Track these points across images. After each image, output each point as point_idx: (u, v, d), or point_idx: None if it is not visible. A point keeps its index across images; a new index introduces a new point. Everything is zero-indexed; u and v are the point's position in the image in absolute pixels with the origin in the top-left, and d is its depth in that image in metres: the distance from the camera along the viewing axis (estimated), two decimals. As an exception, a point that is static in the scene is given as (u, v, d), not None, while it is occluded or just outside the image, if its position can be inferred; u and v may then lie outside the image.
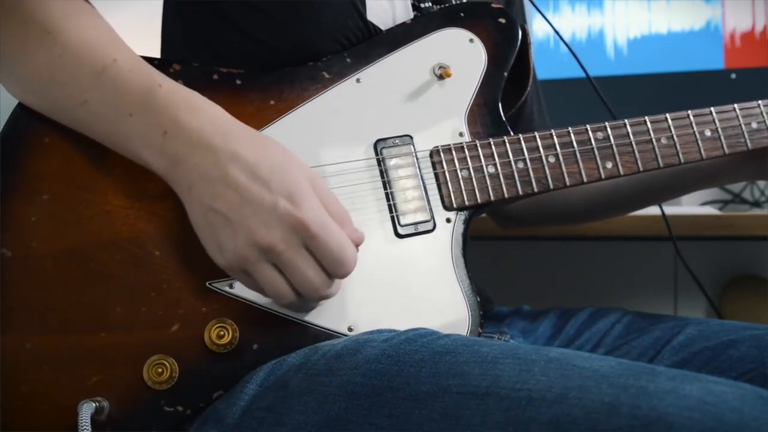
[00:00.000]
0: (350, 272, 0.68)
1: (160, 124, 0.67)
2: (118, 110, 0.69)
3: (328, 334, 0.72)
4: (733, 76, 1.48)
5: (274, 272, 0.66)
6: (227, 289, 0.71)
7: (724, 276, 1.60)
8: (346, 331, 0.73)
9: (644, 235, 1.26)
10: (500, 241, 1.59)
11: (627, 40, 1.54)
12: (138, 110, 0.68)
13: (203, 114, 0.68)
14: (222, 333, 0.70)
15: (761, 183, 1.54)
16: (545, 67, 1.43)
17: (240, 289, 0.71)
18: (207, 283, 0.71)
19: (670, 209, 1.34)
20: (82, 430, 0.63)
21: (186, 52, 0.84)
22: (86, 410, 0.65)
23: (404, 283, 0.75)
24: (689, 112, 0.85)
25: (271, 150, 0.67)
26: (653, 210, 1.24)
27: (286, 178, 0.66)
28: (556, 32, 0.93)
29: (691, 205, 1.51)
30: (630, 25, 1.54)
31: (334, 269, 0.67)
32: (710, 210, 1.35)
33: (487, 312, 1.00)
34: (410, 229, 0.76)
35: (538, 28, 1.49)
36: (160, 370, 0.69)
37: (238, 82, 0.76)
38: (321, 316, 0.72)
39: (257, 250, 0.65)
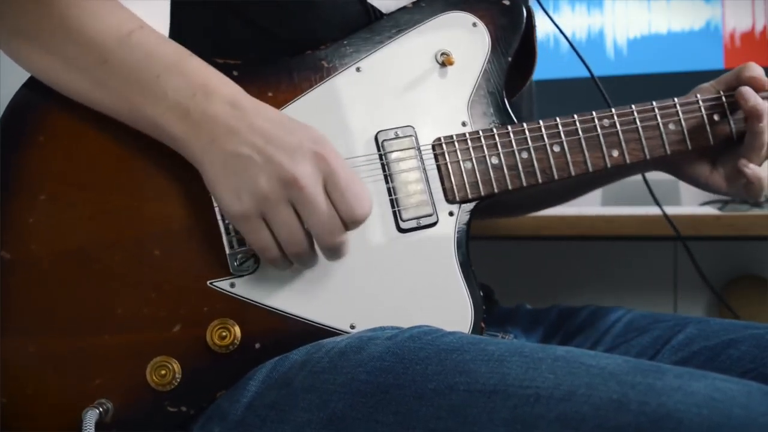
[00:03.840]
0: (365, 218, 0.68)
1: (191, 87, 0.68)
2: (144, 71, 0.69)
3: (330, 332, 0.72)
4: (733, 75, 1.48)
5: (292, 213, 0.66)
6: (228, 288, 0.71)
7: (724, 276, 1.60)
8: (348, 329, 0.72)
9: (644, 235, 1.26)
10: (500, 241, 1.59)
11: (627, 40, 1.54)
12: (167, 72, 0.68)
13: (230, 87, 0.69)
14: (224, 333, 0.70)
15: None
16: (545, 67, 1.43)
17: (241, 288, 0.71)
18: (208, 283, 0.71)
19: (671, 209, 1.34)
20: (86, 439, 0.63)
21: (187, 42, 0.84)
22: (90, 418, 0.65)
23: (406, 279, 0.75)
24: (698, 95, 0.84)
25: (291, 117, 0.69)
26: (653, 210, 1.24)
27: (309, 130, 0.68)
28: (562, 32, 0.92)
29: (691, 205, 1.51)
30: (630, 25, 1.54)
31: (351, 211, 0.67)
32: (710, 210, 1.35)
33: (491, 310, 0.99)
34: (412, 224, 0.75)
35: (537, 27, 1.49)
36: (163, 372, 0.69)
37: (235, 73, 0.75)
38: (322, 313, 0.72)
39: (280, 184, 0.65)
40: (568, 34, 0.98)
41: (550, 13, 0.89)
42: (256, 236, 0.67)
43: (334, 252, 0.69)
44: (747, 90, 0.82)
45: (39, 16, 0.71)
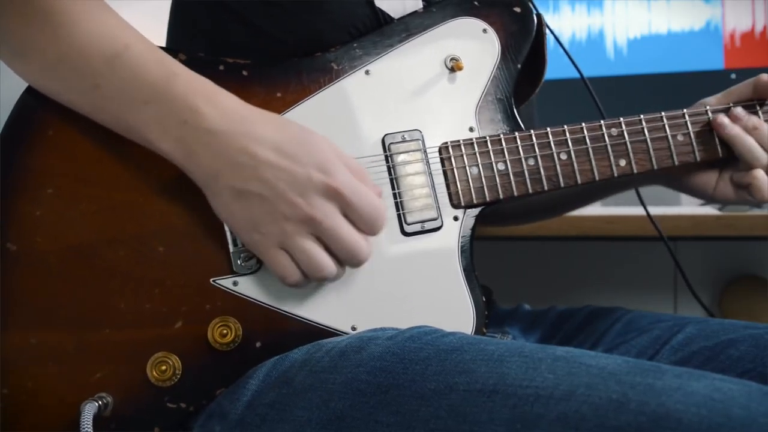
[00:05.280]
0: (382, 228, 0.69)
1: (179, 114, 0.67)
2: (133, 97, 0.68)
3: (331, 332, 0.72)
4: (733, 76, 1.49)
5: (314, 244, 0.66)
6: (231, 286, 0.71)
7: (724, 276, 1.60)
8: (348, 329, 0.73)
9: (644, 235, 1.26)
10: (500, 241, 1.59)
11: (627, 40, 1.54)
12: (154, 98, 0.67)
13: (221, 102, 0.68)
14: (225, 331, 0.70)
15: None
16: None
17: (243, 287, 0.71)
18: (211, 280, 0.71)
19: (670, 209, 1.34)
20: (84, 430, 0.63)
21: (191, 45, 0.84)
22: (89, 411, 0.65)
23: (409, 282, 0.75)
24: (707, 106, 0.84)
25: (291, 128, 0.68)
26: (653, 211, 1.25)
27: (312, 150, 0.66)
28: (553, 33, 0.92)
29: (691, 205, 1.51)
30: (630, 25, 1.54)
31: (370, 228, 0.68)
32: (710, 210, 1.35)
33: (490, 311, 0.99)
34: (417, 227, 0.75)
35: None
36: (163, 367, 0.69)
37: (245, 73, 0.76)
38: (324, 314, 0.72)
39: (298, 222, 0.65)
40: (568, 34, 0.98)
41: (548, 17, 0.89)
42: (275, 264, 0.67)
43: (359, 263, 0.70)
44: (722, 119, 0.83)
45: (32, 37, 0.70)
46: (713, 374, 0.55)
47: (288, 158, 0.65)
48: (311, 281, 0.69)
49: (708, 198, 0.90)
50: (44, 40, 0.69)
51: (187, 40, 0.85)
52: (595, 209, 1.43)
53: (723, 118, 0.83)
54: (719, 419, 0.49)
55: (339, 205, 0.66)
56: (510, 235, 1.34)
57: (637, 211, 1.27)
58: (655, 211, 1.17)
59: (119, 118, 0.69)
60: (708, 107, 0.84)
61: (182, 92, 0.67)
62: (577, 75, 0.96)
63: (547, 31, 0.87)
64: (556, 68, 1.45)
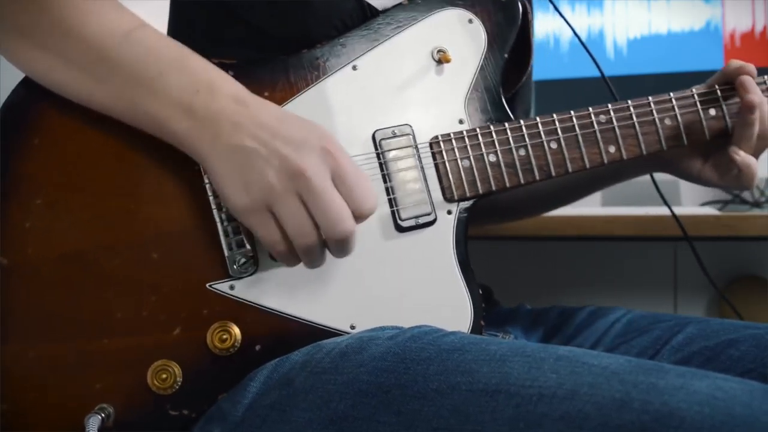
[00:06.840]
0: (372, 213, 0.67)
1: (195, 84, 0.67)
2: (146, 68, 0.68)
3: (330, 332, 0.72)
4: (733, 75, 1.48)
5: (300, 205, 0.65)
6: (228, 290, 0.71)
7: (724, 276, 1.60)
8: (348, 329, 0.72)
9: (644, 236, 1.25)
10: (500, 241, 1.59)
11: (627, 40, 1.54)
12: (170, 69, 0.68)
13: (234, 85, 0.69)
14: (224, 336, 0.70)
15: (761, 183, 1.54)
16: (545, 67, 1.44)
17: (240, 291, 0.71)
18: (207, 285, 0.71)
19: (670, 210, 1.34)
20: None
21: (183, 40, 0.84)
22: (93, 424, 0.65)
23: (406, 278, 0.75)
24: (693, 90, 0.84)
25: (293, 114, 0.69)
26: (654, 210, 1.24)
27: (314, 127, 0.67)
28: (574, 31, 0.92)
29: (691, 205, 1.51)
30: (630, 25, 1.54)
31: (358, 206, 0.66)
32: (710, 210, 1.35)
33: (491, 311, 0.99)
34: (411, 223, 0.75)
35: (537, 27, 1.49)
36: (164, 375, 0.69)
37: (231, 73, 0.74)
38: (322, 314, 0.72)
39: (287, 176, 0.64)
40: (569, 34, 0.98)
41: (548, 17, 0.89)
42: (264, 229, 0.67)
43: (342, 245, 0.67)
44: (748, 80, 0.82)
45: (37, 15, 0.70)
46: (715, 373, 0.55)
47: (289, 125, 0.66)
48: (296, 256, 0.68)
49: (695, 180, 0.91)
50: (52, 20, 0.70)
51: (185, 40, 0.84)
52: (595, 209, 1.43)
53: (748, 80, 0.82)
54: (722, 417, 0.49)
55: (331, 168, 0.65)
56: (510, 235, 1.34)
57: (638, 211, 1.27)
58: (655, 211, 1.17)
59: (122, 91, 0.69)
60: (694, 89, 0.84)
61: (200, 66, 0.69)
62: (579, 75, 0.96)
63: (552, 32, 0.87)
64: (557, 68, 1.46)
